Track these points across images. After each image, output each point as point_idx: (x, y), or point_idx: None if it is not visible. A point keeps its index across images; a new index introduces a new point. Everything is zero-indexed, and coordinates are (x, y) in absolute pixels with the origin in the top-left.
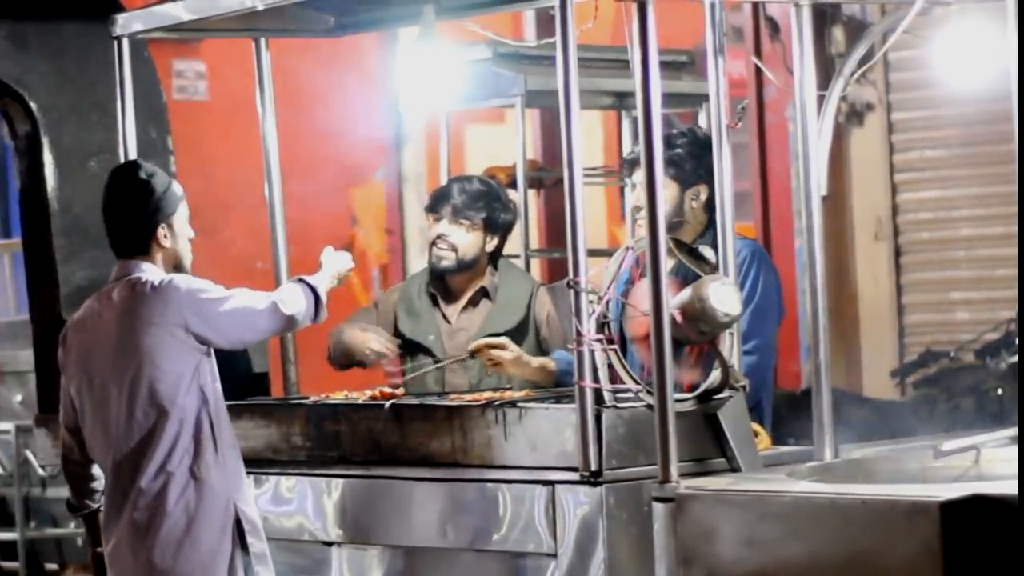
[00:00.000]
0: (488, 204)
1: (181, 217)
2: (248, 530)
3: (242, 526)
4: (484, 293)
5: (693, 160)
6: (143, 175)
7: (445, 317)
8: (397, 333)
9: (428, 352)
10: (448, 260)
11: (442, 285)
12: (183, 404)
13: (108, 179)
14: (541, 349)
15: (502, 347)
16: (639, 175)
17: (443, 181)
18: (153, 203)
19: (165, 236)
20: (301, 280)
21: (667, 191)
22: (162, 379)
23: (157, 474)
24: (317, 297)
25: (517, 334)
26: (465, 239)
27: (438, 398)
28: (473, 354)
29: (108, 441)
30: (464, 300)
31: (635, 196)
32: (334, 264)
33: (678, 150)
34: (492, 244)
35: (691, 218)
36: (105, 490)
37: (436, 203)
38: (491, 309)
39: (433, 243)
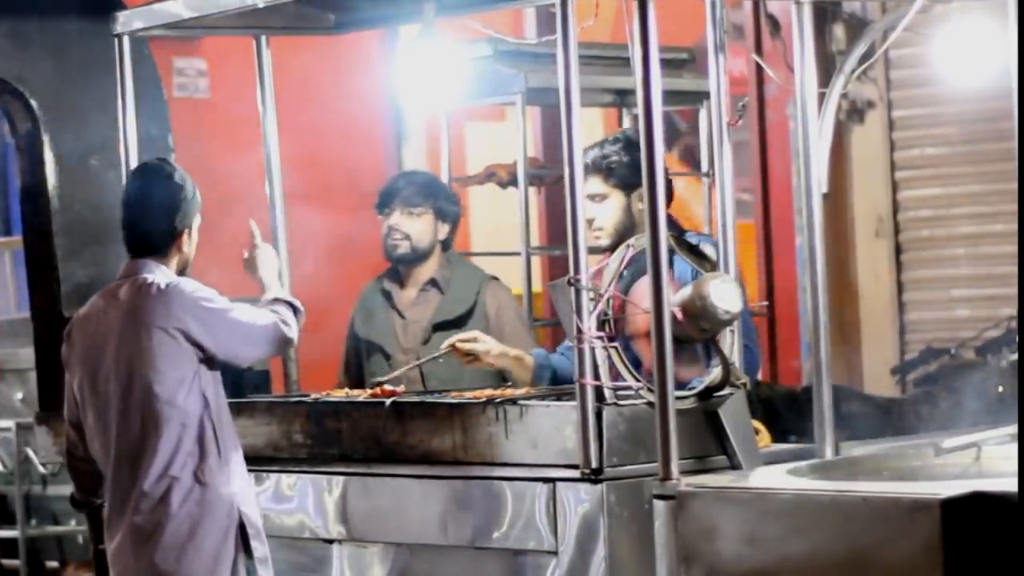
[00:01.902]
0: (434, 193)
1: (198, 222)
2: (251, 534)
3: (246, 530)
4: (434, 284)
5: (631, 163)
6: (177, 179)
7: (399, 312)
8: (354, 338)
9: (381, 349)
10: (403, 248)
11: (395, 278)
12: (184, 408)
13: (134, 177)
14: None
15: (474, 340)
16: (589, 185)
17: (444, 179)
18: (183, 209)
19: (186, 241)
20: (284, 301)
21: (612, 200)
22: (161, 382)
23: (160, 478)
24: (297, 311)
25: (463, 324)
26: (417, 227)
27: (439, 396)
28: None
29: (108, 440)
30: (415, 292)
31: (587, 208)
32: (274, 266)
33: (612, 157)
34: (444, 232)
35: (640, 220)
36: (106, 489)
37: (386, 199)
38: (440, 299)
39: (387, 236)
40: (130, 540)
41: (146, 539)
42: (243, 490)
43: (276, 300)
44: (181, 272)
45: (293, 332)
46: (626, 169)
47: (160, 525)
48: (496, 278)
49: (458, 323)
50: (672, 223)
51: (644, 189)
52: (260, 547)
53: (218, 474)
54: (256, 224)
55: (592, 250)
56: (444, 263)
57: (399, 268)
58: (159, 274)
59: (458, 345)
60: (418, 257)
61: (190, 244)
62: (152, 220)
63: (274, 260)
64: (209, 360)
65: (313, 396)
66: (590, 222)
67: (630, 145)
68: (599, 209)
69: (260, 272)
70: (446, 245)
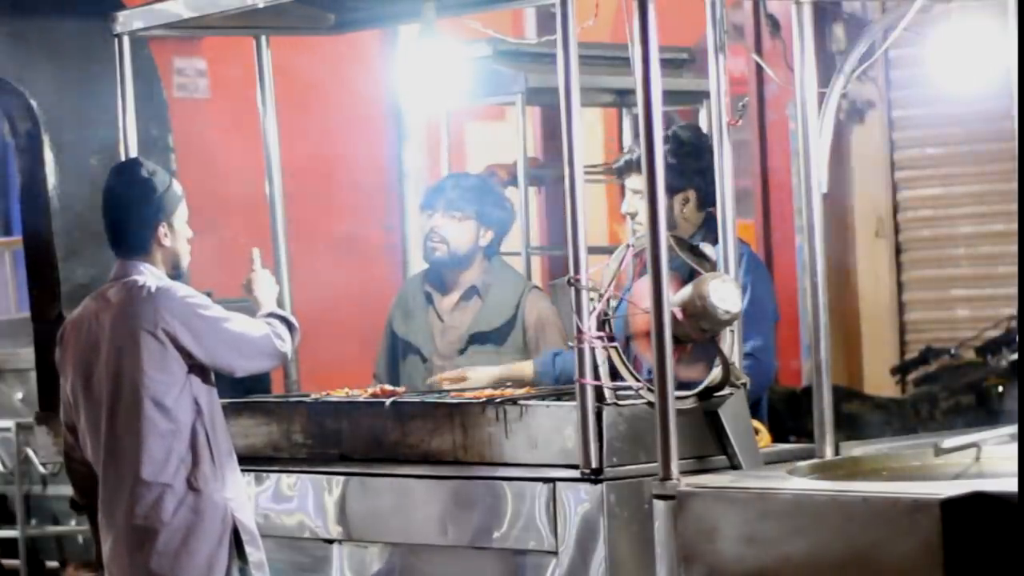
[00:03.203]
0: (480, 198)
1: (181, 216)
2: (246, 540)
3: (239, 536)
4: (475, 291)
5: (678, 166)
6: (144, 173)
7: (438, 315)
8: (392, 335)
9: (419, 351)
10: (440, 252)
11: (437, 280)
12: (175, 413)
13: (108, 177)
14: (528, 352)
15: (462, 379)
16: (632, 180)
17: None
18: (155, 202)
19: (166, 235)
20: (279, 316)
21: None
22: (150, 385)
23: (152, 483)
24: (292, 328)
25: (503, 334)
26: (457, 232)
27: (439, 395)
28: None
29: (98, 443)
30: (456, 297)
31: (628, 202)
32: (272, 290)
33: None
34: (486, 239)
35: (681, 222)
36: (99, 491)
37: (431, 199)
38: (480, 308)
39: (427, 238)
40: (124, 544)
41: (140, 544)
42: (237, 496)
43: (271, 314)
44: (174, 268)
45: (287, 347)
46: (672, 172)
47: (154, 531)
48: (538, 287)
49: (496, 334)
50: (714, 226)
51: (644, 189)
52: (255, 552)
53: (212, 480)
54: (259, 253)
55: (592, 249)
56: (487, 269)
57: (441, 271)
58: (149, 275)
59: (445, 386)
60: (456, 262)
61: (172, 238)
62: (125, 219)
63: (272, 285)
64: (200, 368)
65: (313, 396)
66: (633, 215)
67: (680, 147)
68: (643, 205)
69: (256, 293)
70: (489, 251)
